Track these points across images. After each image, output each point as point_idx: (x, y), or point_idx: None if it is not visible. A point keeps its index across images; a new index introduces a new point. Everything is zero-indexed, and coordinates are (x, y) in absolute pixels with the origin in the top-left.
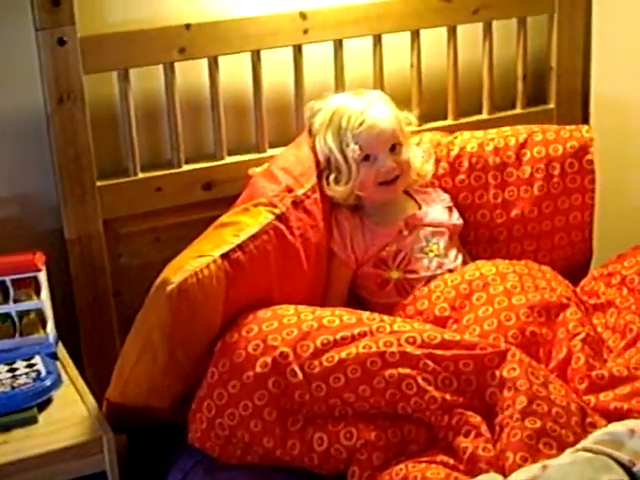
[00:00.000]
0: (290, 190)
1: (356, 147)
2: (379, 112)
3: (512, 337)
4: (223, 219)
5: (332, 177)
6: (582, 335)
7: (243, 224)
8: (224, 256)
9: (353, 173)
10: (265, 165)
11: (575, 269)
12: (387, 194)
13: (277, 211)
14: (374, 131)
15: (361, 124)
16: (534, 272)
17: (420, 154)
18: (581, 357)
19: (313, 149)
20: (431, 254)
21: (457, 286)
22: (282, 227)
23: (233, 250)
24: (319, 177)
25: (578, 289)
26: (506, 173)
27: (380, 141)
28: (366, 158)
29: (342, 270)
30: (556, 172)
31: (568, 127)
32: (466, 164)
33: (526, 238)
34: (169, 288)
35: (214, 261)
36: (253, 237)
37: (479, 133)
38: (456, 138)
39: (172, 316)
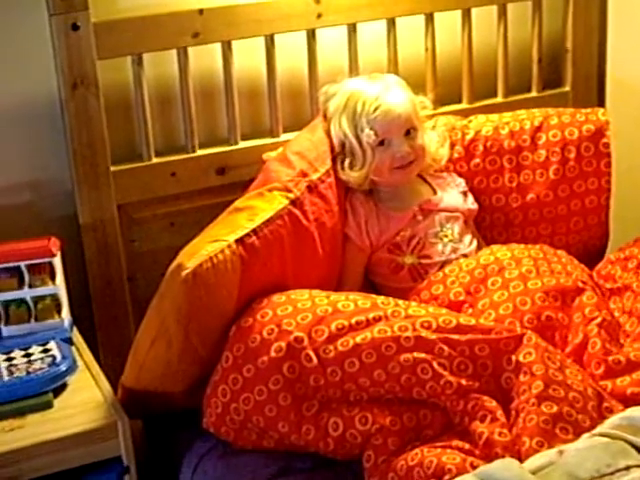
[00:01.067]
0: (305, 174)
1: (371, 132)
2: (394, 97)
3: (528, 322)
4: (237, 204)
5: (347, 162)
6: (598, 320)
7: (258, 209)
8: (239, 241)
9: (368, 158)
10: (279, 149)
11: (591, 253)
12: (401, 178)
13: (292, 196)
14: (389, 116)
15: (376, 109)
16: (549, 256)
17: (435, 138)
18: (597, 342)
19: (328, 133)
20: (445, 239)
21: (472, 271)
22: (297, 212)
23: (248, 235)
24: (334, 161)
25: (594, 273)
26: (521, 157)
27: (395, 126)
28: (381, 143)
29: (357, 255)
30: (572, 155)
31: (584, 110)
32: (481, 148)
33: (542, 222)
34: (184, 273)
35: (229, 246)
36: (267, 222)
37: (494, 117)
38: (471, 122)
39: (187, 301)
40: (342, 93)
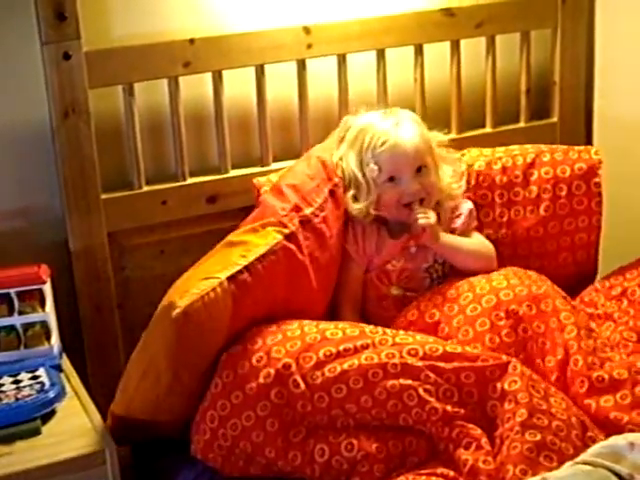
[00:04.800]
0: (299, 209)
1: (375, 167)
2: (403, 132)
3: (506, 336)
4: (231, 238)
5: (350, 194)
6: (572, 327)
7: (251, 244)
8: (231, 278)
9: (371, 192)
10: (269, 176)
11: (578, 286)
12: (410, 215)
13: (286, 231)
14: (396, 152)
15: (383, 144)
16: (520, 273)
17: (449, 173)
18: (579, 359)
19: (324, 164)
20: (435, 275)
21: (444, 292)
22: (292, 246)
23: (240, 272)
24: (331, 194)
25: (577, 299)
26: (513, 192)
27: (402, 163)
28: (391, 179)
29: (355, 270)
30: (563, 193)
31: (577, 148)
32: (473, 182)
33: (530, 256)
34: (175, 313)
35: (220, 284)
36: (261, 258)
37: (487, 151)
38: (464, 155)
39: (177, 340)
40: (355, 126)
